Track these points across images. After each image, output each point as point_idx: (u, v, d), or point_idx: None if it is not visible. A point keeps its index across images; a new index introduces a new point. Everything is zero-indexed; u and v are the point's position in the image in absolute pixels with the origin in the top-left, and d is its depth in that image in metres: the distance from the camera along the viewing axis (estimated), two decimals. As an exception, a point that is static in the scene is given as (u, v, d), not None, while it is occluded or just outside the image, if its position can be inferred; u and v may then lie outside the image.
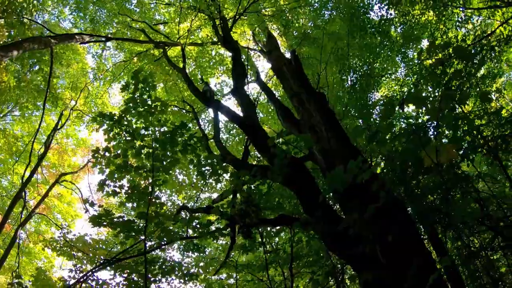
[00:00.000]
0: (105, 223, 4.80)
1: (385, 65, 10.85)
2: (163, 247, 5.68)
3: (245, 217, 4.03)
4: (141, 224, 5.43)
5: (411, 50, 11.50)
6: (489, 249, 9.30)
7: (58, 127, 12.33)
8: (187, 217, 5.33)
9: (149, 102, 5.43)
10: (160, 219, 4.40)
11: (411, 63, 11.33)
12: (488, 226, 7.39)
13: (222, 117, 12.93)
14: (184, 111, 8.66)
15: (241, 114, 5.64)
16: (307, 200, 4.17)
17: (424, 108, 3.78)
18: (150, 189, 4.61)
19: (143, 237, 4.96)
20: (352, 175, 3.42)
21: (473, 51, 8.87)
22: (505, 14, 9.86)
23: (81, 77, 13.10)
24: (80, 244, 8.22)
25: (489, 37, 9.29)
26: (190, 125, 9.41)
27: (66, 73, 13.35)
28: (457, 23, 9.84)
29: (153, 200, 4.65)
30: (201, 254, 6.97)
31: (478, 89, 9.46)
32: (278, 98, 7.13)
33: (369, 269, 3.58)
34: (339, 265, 6.53)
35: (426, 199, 7.27)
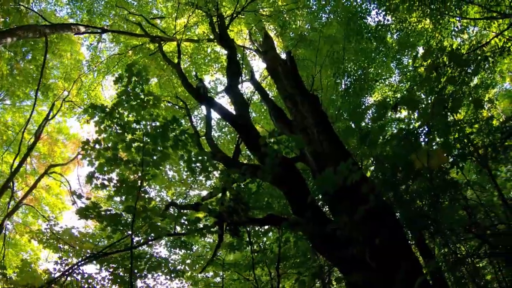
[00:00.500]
0: (92, 216, 4.75)
1: (379, 71, 10.92)
2: (150, 242, 5.64)
3: (233, 214, 4.01)
4: (129, 219, 5.39)
5: (406, 57, 11.61)
6: (476, 256, 9.43)
7: (50, 117, 12.16)
8: (176, 214, 5.31)
9: (142, 96, 5.40)
10: (148, 214, 4.35)
11: (405, 70, 11.43)
12: (475, 234, 7.49)
13: (215, 115, 12.91)
14: (177, 107, 8.61)
15: (234, 112, 5.62)
16: (297, 201, 4.18)
17: (416, 113, 3.81)
18: (139, 183, 4.56)
19: (130, 232, 4.92)
20: (342, 177, 3.43)
21: (468, 60, 8.99)
22: (501, 26, 10.00)
23: (75, 68, 12.95)
24: (67, 237, 8.12)
25: (484, 48, 9.42)
26: (183, 121, 9.39)
27: (60, 64, 13.18)
28: (453, 33, 9.96)
29: (142, 194, 4.60)
30: (188, 252, 6.93)
31: (470, 98, 9.58)
32: (272, 98, 7.13)
33: (357, 272, 3.60)
34: (326, 267, 6.56)
35: (415, 204, 7.34)
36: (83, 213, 4.94)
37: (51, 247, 8.13)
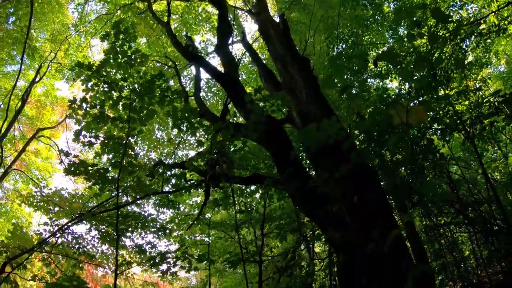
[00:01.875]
0: (79, 172, 4.76)
1: (374, 39, 10.75)
2: (138, 201, 5.71)
3: (215, 166, 4.05)
4: (116, 176, 5.43)
5: (402, 28, 11.40)
6: (454, 225, 9.77)
7: (37, 79, 11.88)
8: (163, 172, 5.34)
9: (129, 53, 5.31)
10: (133, 170, 4.37)
11: (400, 40, 11.26)
12: (456, 209, 7.72)
13: (205, 76, 12.67)
14: (166, 67, 8.46)
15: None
16: (281, 159, 4.21)
17: (398, 71, 3.79)
18: (125, 140, 4.55)
19: (117, 189, 4.97)
20: (325, 134, 3.45)
21: (464, 36, 8.95)
22: (500, 6, 9.86)
23: (62, 30, 12.53)
24: (57, 199, 8.17)
25: (481, 22, 9.32)
26: (172, 82, 9.26)
27: (46, 26, 12.73)
28: (452, 8, 9.78)
29: (128, 150, 4.61)
30: (176, 211, 7.06)
31: (463, 75, 9.58)
32: (263, 61, 7.02)
33: (335, 228, 3.68)
34: (310, 231, 6.74)
35: (398, 171, 7.48)
36: (70, 170, 4.96)
37: (42, 210, 8.19)
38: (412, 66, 3.05)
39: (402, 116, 3.33)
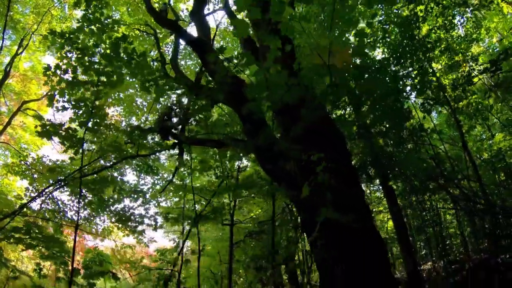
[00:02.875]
0: (50, 133, 4.86)
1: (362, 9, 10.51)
2: (115, 165, 5.82)
3: (170, 117, 4.12)
4: (90, 139, 5.54)
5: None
6: (437, 200, 9.91)
7: (19, 51, 11.73)
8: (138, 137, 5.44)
9: (102, 20, 5.34)
10: (100, 129, 4.47)
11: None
12: (439, 185, 7.82)
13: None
14: (146, 35, 8.34)
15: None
16: (246, 119, 4.22)
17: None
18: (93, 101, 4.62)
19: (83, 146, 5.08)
20: (280, 92, 3.44)
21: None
22: None
23: (45, 3, 12.27)
24: (41, 167, 8.30)
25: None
26: (153, 52, 9.20)
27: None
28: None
29: (98, 111, 4.69)
30: (155, 177, 7.22)
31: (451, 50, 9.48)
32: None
33: (290, 187, 3.64)
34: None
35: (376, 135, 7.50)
36: (43, 132, 5.07)
37: (25, 177, 8.32)
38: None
39: (324, 58, 3.32)
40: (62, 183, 6.20)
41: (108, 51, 5.02)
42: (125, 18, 9.39)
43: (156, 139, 6.04)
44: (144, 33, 8.23)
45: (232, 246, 4.86)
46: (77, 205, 6.64)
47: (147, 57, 4.51)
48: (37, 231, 5.81)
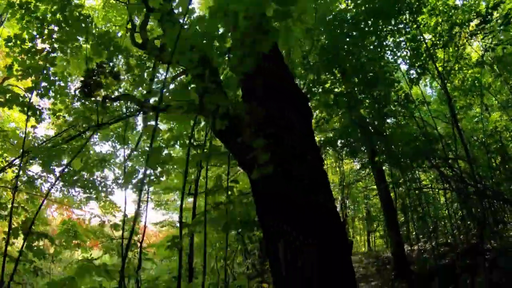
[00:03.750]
0: (8, 103, 4.84)
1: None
2: (82, 134, 5.76)
3: (92, 76, 3.97)
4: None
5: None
6: (422, 169, 9.56)
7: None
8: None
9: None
10: (48, 93, 4.41)
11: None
12: (432, 164, 7.55)
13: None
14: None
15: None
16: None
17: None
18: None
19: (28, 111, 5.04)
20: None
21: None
22: None
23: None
24: (15, 141, 8.28)
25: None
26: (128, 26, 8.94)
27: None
28: None
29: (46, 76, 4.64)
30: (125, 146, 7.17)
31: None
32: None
33: (242, 152, 3.39)
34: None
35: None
36: (3, 102, 5.05)
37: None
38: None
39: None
40: (32, 155, 6.21)
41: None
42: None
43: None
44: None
45: (194, 216, 4.79)
46: (47, 175, 6.67)
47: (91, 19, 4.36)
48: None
